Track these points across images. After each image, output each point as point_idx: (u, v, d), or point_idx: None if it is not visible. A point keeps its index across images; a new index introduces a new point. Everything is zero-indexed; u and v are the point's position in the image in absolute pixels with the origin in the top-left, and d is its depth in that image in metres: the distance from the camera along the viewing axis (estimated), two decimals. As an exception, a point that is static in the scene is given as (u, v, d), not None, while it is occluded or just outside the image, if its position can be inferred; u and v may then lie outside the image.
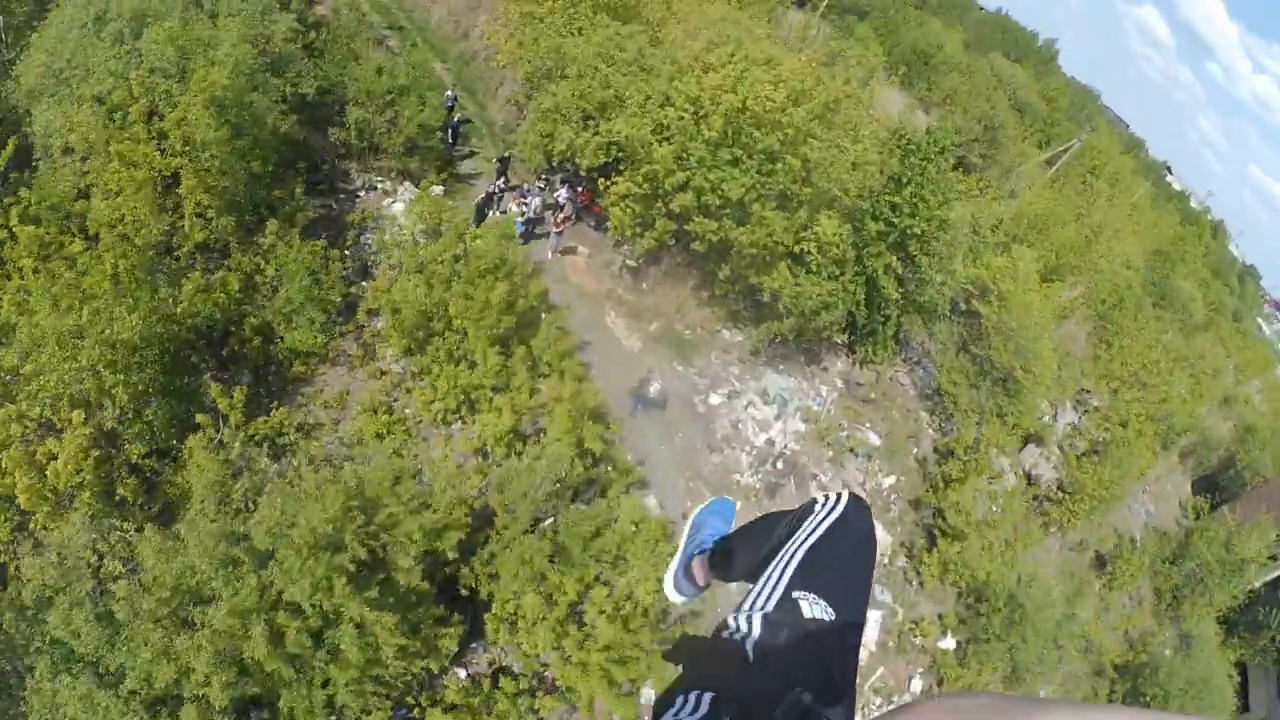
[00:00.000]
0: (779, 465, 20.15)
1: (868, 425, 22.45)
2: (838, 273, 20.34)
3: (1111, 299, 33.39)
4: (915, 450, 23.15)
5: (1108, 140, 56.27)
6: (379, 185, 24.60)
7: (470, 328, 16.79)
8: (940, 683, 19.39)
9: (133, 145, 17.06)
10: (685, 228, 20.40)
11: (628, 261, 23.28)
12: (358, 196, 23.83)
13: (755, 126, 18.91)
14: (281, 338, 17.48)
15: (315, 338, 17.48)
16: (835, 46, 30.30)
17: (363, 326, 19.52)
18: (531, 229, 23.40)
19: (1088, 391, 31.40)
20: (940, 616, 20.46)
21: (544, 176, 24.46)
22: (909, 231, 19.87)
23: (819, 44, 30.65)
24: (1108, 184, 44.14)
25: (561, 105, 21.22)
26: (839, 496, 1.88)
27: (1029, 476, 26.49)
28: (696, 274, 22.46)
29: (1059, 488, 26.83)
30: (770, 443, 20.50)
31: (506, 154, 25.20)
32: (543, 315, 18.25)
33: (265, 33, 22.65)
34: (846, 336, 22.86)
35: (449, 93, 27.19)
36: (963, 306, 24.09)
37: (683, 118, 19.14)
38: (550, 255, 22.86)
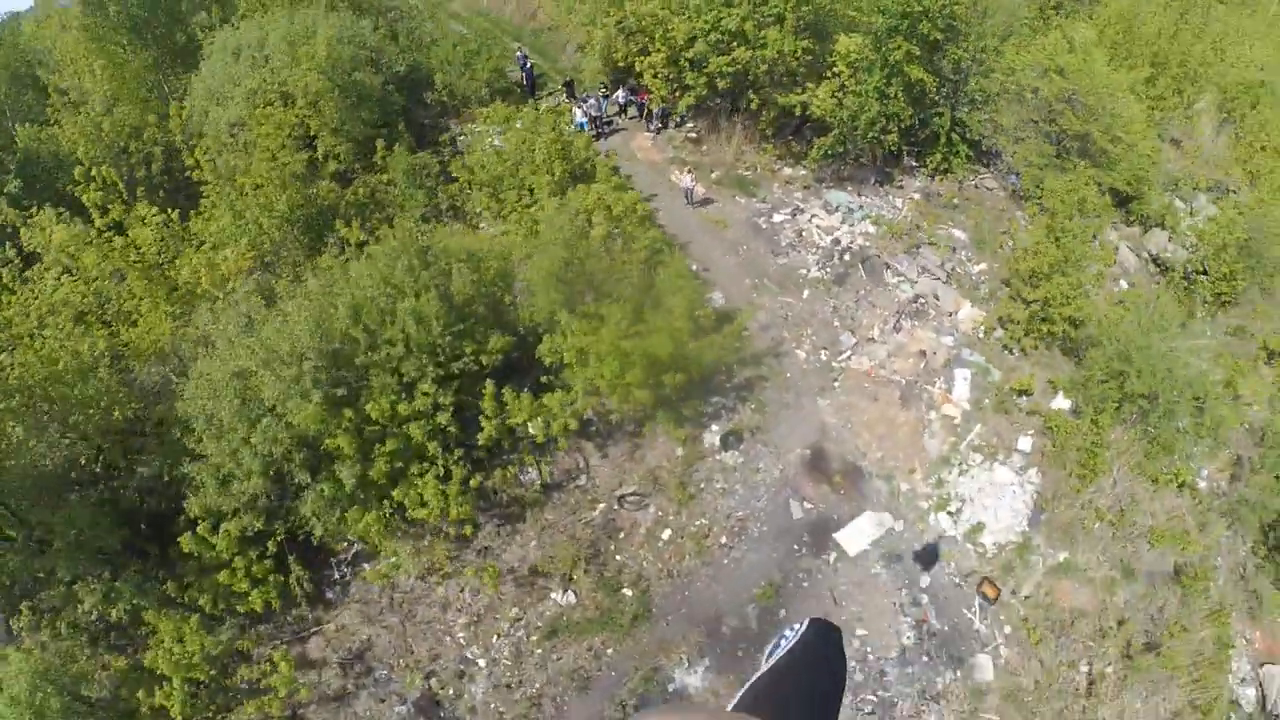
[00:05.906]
0: (846, 257, 20.79)
1: (950, 224, 22.39)
2: (865, 80, 20.93)
3: (1248, 98, 30.35)
4: (1010, 244, 22.67)
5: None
6: (473, 131, 28.55)
7: (536, 182, 19.63)
8: (1054, 443, 18.70)
9: (271, 111, 22.01)
10: (719, 84, 22.13)
11: (688, 135, 25.22)
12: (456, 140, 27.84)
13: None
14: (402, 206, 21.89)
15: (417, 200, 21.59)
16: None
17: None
18: (598, 127, 26.21)
19: (1225, 186, 28.71)
20: (1050, 382, 19.79)
21: (604, 85, 27.35)
22: (922, 14, 20.08)
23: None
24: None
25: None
26: (801, 623, 1.72)
27: (1156, 259, 24.82)
28: (749, 126, 23.91)
29: (1200, 271, 24.81)
30: (836, 242, 21.21)
31: (570, 79, 28.70)
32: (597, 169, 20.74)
33: (358, 33, 27.45)
34: (906, 147, 22.96)
35: (519, 53, 30.99)
36: (1028, 97, 23.31)
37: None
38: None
